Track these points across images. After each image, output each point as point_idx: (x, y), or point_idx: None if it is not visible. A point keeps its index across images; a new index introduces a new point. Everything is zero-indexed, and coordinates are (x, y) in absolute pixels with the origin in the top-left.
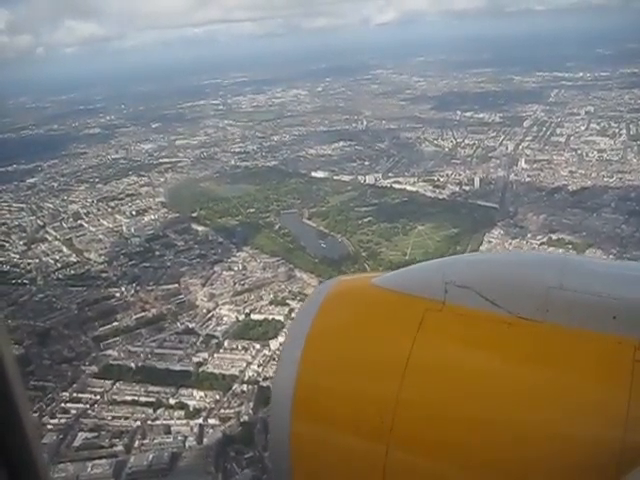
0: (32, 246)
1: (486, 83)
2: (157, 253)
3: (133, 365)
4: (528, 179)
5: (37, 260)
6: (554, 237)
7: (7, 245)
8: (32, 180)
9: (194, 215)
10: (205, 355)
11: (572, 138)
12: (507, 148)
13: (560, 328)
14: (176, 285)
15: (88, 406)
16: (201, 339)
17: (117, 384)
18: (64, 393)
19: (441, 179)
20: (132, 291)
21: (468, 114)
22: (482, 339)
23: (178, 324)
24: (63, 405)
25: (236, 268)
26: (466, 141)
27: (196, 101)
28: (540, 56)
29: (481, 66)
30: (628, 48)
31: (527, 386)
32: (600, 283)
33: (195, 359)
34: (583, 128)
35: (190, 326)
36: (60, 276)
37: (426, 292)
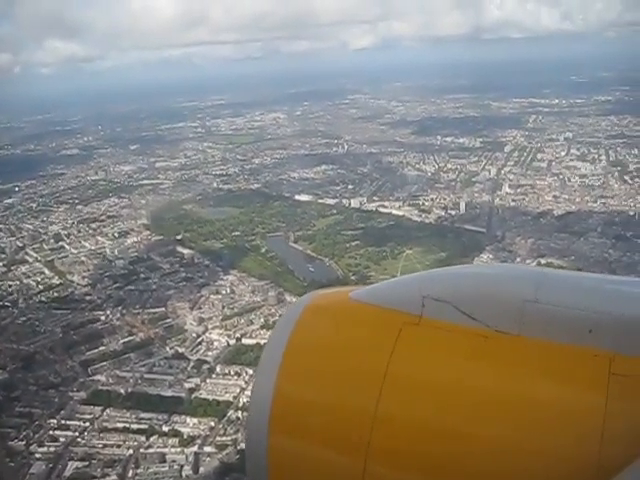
0: (12, 267)
1: (464, 108)
2: (142, 276)
3: (123, 391)
4: (513, 203)
5: (18, 282)
6: (543, 261)
7: None
8: (10, 200)
9: (178, 238)
10: (197, 381)
11: (553, 163)
12: (490, 173)
13: (536, 341)
14: (163, 309)
15: (78, 434)
16: (192, 364)
17: (107, 410)
18: (52, 420)
19: (426, 203)
20: (118, 314)
21: (448, 139)
22: (459, 353)
23: (167, 349)
24: (51, 432)
25: (224, 291)
26: (448, 165)
27: (175, 123)
28: (516, 82)
29: (458, 92)
30: (601, 76)
31: (503, 399)
32: (576, 296)
33: (187, 385)
34: (563, 153)
35: (180, 351)
36: (43, 298)
37: (403, 306)
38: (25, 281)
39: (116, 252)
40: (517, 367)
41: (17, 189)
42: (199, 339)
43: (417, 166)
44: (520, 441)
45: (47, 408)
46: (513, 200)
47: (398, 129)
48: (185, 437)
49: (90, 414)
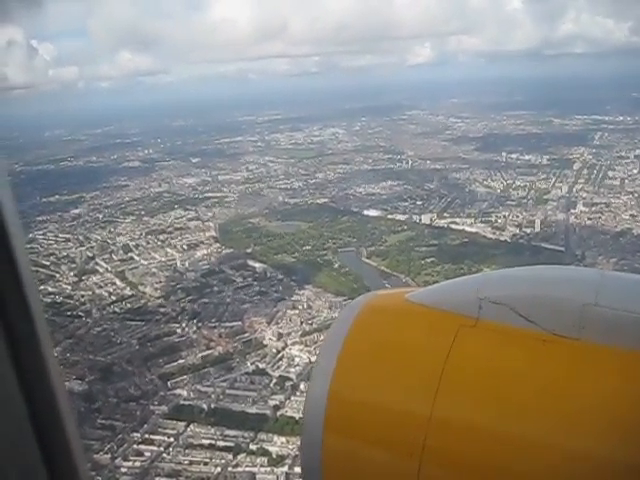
0: (83, 277)
1: (526, 125)
2: (215, 289)
3: (205, 406)
4: (589, 222)
5: (90, 292)
6: None
7: (57, 276)
8: (76, 211)
9: (249, 251)
10: (281, 398)
11: (626, 181)
12: (561, 190)
13: (596, 346)
14: (240, 323)
15: (163, 449)
16: (274, 380)
17: (191, 426)
18: (135, 434)
19: (499, 220)
20: (194, 328)
21: (514, 155)
22: (516, 356)
23: (248, 364)
24: (136, 447)
25: (301, 307)
26: (517, 183)
27: (233, 137)
28: (577, 99)
29: (517, 108)
30: None
31: (562, 404)
32: (637, 300)
33: (271, 402)
34: (635, 171)
35: (260, 366)
36: (116, 309)
37: (460, 308)
38: (97, 291)
39: (187, 264)
40: (576, 372)
41: (82, 200)
42: (279, 355)
43: (485, 183)
44: (578, 448)
45: (129, 421)
46: (589, 219)
47: (461, 145)
48: (274, 456)
49: (174, 429)
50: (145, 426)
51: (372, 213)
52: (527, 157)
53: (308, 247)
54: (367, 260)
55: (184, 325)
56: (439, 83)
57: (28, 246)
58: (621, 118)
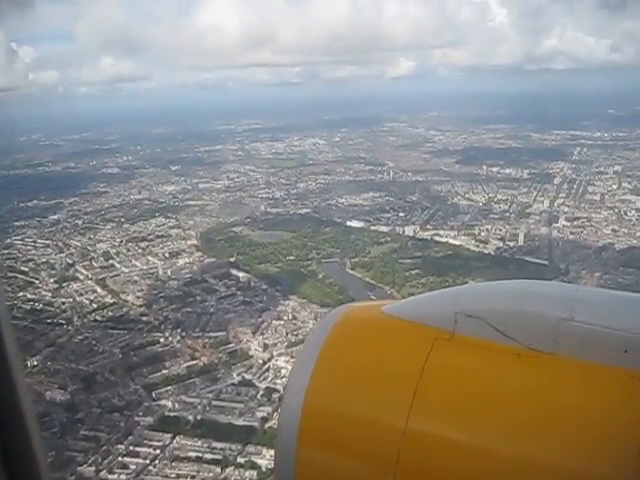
0: (64, 284)
1: (505, 139)
2: (198, 298)
3: (191, 418)
4: (572, 236)
5: (71, 299)
6: None
7: (37, 282)
8: (55, 217)
9: (232, 260)
10: (269, 409)
11: (606, 196)
12: (543, 204)
13: (571, 360)
14: (224, 333)
15: (148, 461)
16: (261, 392)
17: (177, 438)
18: (120, 445)
19: (482, 233)
20: (178, 337)
21: (494, 169)
22: (491, 370)
23: (234, 375)
24: (121, 459)
25: (286, 317)
26: (498, 196)
27: (213, 145)
28: (555, 114)
29: (496, 122)
30: (638, 110)
31: (536, 419)
32: (612, 315)
33: (259, 414)
34: (615, 187)
35: (247, 377)
36: (98, 317)
37: (436, 321)
38: (78, 299)
39: (169, 272)
40: (551, 386)
41: (61, 205)
42: (266, 366)
43: (466, 195)
44: (552, 462)
45: (113, 432)
46: (571, 233)
47: (441, 158)
48: (263, 469)
49: (159, 441)
50: (130, 438)
51: (355, 224)
52: (508, 171)
53: (292, 257)
54: (351, 271)
55: (167, 334)
56: (419, 95)
57: (5, 251)
58: (599, 134)
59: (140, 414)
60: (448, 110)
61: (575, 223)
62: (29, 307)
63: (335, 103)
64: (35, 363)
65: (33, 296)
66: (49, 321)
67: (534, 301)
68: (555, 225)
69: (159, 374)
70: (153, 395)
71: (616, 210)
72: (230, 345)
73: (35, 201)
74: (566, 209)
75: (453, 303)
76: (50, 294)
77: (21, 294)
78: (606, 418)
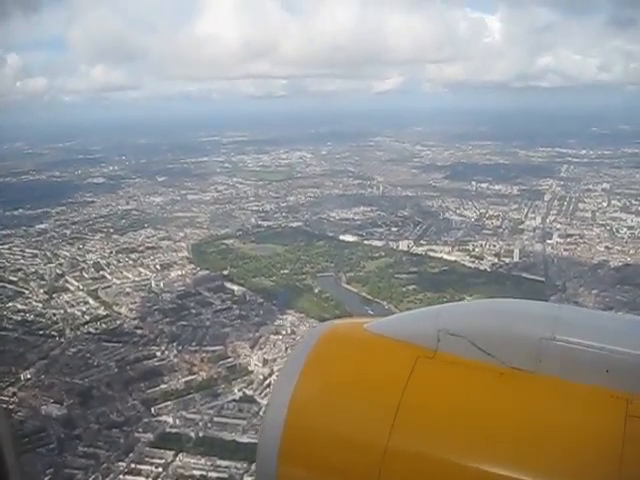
0: (54, 295)
1: (492, 155)
2: (193, 311)
3: (193, 434)
4: (566, 253)
5: (62, 311)
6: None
7: (27, 292)
8: (42, 226)
9: (225, 273)
10: None
11: (597, 214)
12: (535, 221)
13: (552, 379)
14: (222, 347)
15: None
16: (263, 409)
17: (179, 455)
18: (120, 463)
19: (477, 249)
20: (174, 351)
21: (484, 185)
22: (473, 389)
23: (234, 390)
24: (122, 477)
25: (284, 332)
26: (490, 212)
27: (199, 157)
28: (540, 131)
29: (480, 139)
30: (621, 129)
31: (517, 437)
32: (594, 335)
33: None
34: (605, 204)
35: (248, 393)
36: (91, 330)
37: (418, 339)
38: (69, 310)
39: (162, 285)
40: (532, 405)
41: (48, 215)
42: (266, 381)
43: (458, 211)
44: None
45: (113, 449)
46: (565, 250)
47: (430, 173)
48: None
49: (161, 458)
50: (131, 455)
51: (348, 238)
52: (497, 187)
53: (286, 271)
54: (347, 286)
55: (164, 348)
56: (403, 111)
57: None
58: (584, 152)
59: (140, 430)
60: (433, 126)
61: (568, 240)
62: (20, 318)
63: (320, 117)
64: (29, 376)
65: (23, 307)
66: (41, 333)
67: (516, 320)
68: (549, 242)
69: (157, 389)
70: (152, 411)
71: (608, 227)
72: (229, 360)
73: (21, 210)
74: (558, 226)
75: (436, 321)
76: (41, 305)
77: (11, 304)
78: (587, 437)
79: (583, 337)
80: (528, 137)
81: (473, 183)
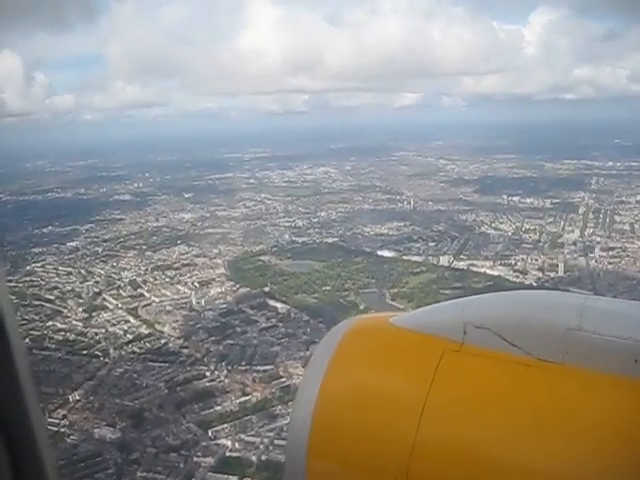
0: (93, 314)
1: (518, 169)
2: (238, 329)
3: (254, 458)
4: (610, 267)
5: (104, 330)
6: None
7: (65, 311)
8: (73, 244)
9: (266, 290)
10: None
11: (636, 226)
12: (573, 234)
13: (579, 371)
14: (272, 366)
15: None
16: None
17: None
18: None
19: (519, 264)
20: (224, 371)
21: (515, 198)
22: (500, 381)
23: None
24: None
25: None
26: (526, 225)
27: (223, 173)
28: (562, 144)
29: (504, 152)
30: None
31: (546, 430)
32: (621, 325)
33: None
34: None
35: None
36: (135, 349)
37: (444, 332)
38: (111, 329)
39: (202, 302)
40: (560, 397)
41: (77, 232)
42: None
43: (493, 225)
44: (562, 473)
45: (174, 474)
46: (609, 263)
47: (458, 187)
48: None
49: None
50: None
51: (386, 254)
52: (529, 200)
53: (327, 287)
54: (392, 302)
55: (213, 368)
56: (422, 125)
57: (27, 278)
58: (611, 163)
59: (199, 454)
60: (453, 140)
61: (611, 253)
62: (61, 337)
63: (339, 132)
64: (77, 398)
65: (64, 326)
66: (84, 352)
67: (542, 311)
68: (591, 255)
69: (212, 410)
70: (209, 434)
71: None
72: (282, 379)
73: (50, 227)
74: (598, 239)
75: (461, 314)
76: (81, 324)
77: (50, 323)
78: (617, 428)
79: (610, 327)
80: (552, 150)
81: (504, 197)
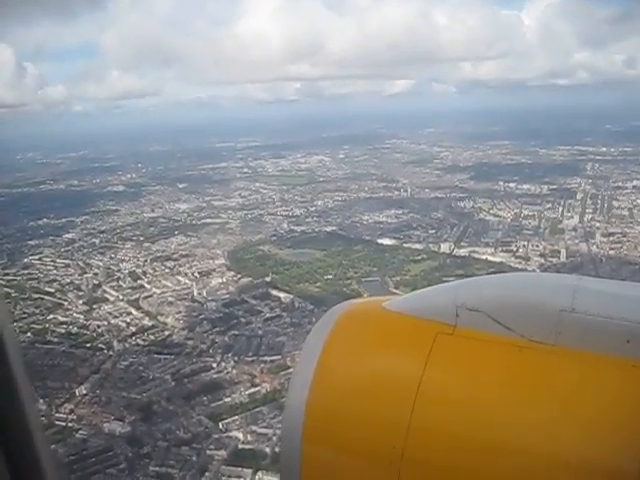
0: (94, 306)
1: (513, 155)
2: (242, 320)
3: (268, 450)
4: (612, 252)
5: (106, 322)
6: None
7: (66, 304)
8: (69, 235)
9: (268, 280)
10: None
11: (635, 211)
12: (573, 220)
13: (573, 352)
14: (280, 357)
15: None
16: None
17: (259, 473)
18: None
19: (520, 250)
20: (231, 362)
21: (511, 185)
22: (493, 363)
23: None
24: None
25: None
26: (524, 212)
27: (216, 163)
28: (554, 130)
29: (496, 138)
30: (634, 125)
31: (539, 411)
32: (613, 305)
33: None
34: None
35: None
36: (139, 341)
37: (437, 316)
38: (113, 321)
39: (204, 293)
40: (553, 378)
41: (73, 224)
42: None
43: (491, 211)
44: (557, 455)
45: (187, 468)
46: (611, 248)
47: (454, 174)
48: None
49: (239, 477)
50: (207, 474)
51: (386, 242)
52: (525, 186)
53: (329, 276)
54: (395, 290)
55: (219, 359)
56: (413, 112)
57: (25, 271)
58: (604, 149)
59: (212, 447)
60: (445, 127)
61: (611, 239)
62: (63, 330)
63: (329, 120)
64: (84, 392)
65: (65, 318)
66: (88, 345)
67: (535, 293)
68: (592, 241)
69: (221, 402)
70: (220, 426)
71: None
72: (290, 370)
73: (45, 219)
74: (597, 224)
75: (454, 297)
76: (82, 316)
77: (52, 316)
78: (609, 408)
79: (603, 307)
80: (545, 136)
81: (500, 183)
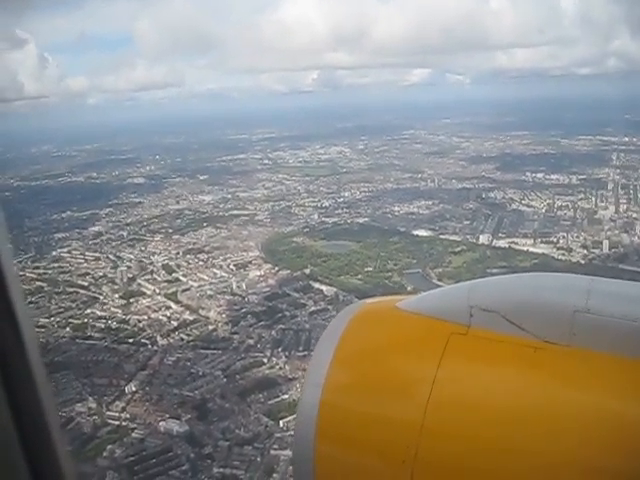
0: (131, 300)
1: (535, 145)
2: (287, 313)
3: None
4: None
5: (146, 316)
6: None
7: (102, 298)
8: (95, 228)
9: (307, 272)
10: None
11: None
12: (609, 210)
13: (587, 352)
14: None
15: None
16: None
17: None
18: None
19: (561, 241)
20: (283, 357)
21: (539, 175)
22: (507, 364)
23: None
24: None
25: None
26: (557, 202)
27: (235, 154)
28: (573, 120)
29: (514, 129)
30: None
31: (554, 412)
32: (628, 306)
33: None
34: None
35: None
36: (183, 336)
37: (451, 316)
38: (153, 315)
39: (244, 286)
40: (567, 378)
41: (97, 216)
42: None
43: (523, 202)
44: (569, 455)
45: (252, 469)
46: None
47: (479, 164)
48: None
49: None
50: (275, 475)
51: (421, 233)
52: (554, 177)
53: (370, 268)
54: (439, 282)
55: (269, 354)
56: (428, 103)
57: (56, 265)
58: (627, 139)
59: (276, 447)
60: (461, 117)
61: None
62: (103, 325)
63: (343, 111)
64: (134, 389)
65: (103, 313)
66: (131, 341)
67: (549, 293)
68: (633, 232)
69: (278, 399)
70: (281, 424)
71: None
72: None
73: (68, 212)
74: (634, 215)
75: (468, 297)
76: (120, 311)
77: (89, 311)
78: (625, 409)
79: (617, 308)
80: (564, 126)
81: (527, 174)
